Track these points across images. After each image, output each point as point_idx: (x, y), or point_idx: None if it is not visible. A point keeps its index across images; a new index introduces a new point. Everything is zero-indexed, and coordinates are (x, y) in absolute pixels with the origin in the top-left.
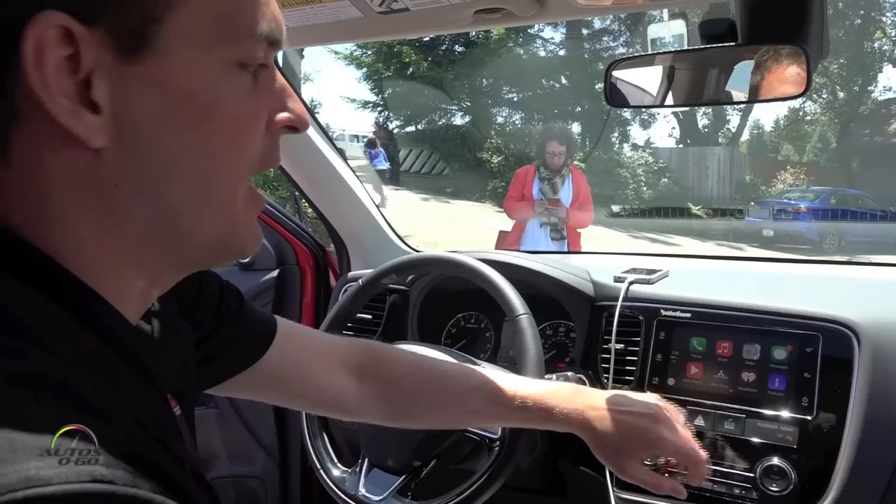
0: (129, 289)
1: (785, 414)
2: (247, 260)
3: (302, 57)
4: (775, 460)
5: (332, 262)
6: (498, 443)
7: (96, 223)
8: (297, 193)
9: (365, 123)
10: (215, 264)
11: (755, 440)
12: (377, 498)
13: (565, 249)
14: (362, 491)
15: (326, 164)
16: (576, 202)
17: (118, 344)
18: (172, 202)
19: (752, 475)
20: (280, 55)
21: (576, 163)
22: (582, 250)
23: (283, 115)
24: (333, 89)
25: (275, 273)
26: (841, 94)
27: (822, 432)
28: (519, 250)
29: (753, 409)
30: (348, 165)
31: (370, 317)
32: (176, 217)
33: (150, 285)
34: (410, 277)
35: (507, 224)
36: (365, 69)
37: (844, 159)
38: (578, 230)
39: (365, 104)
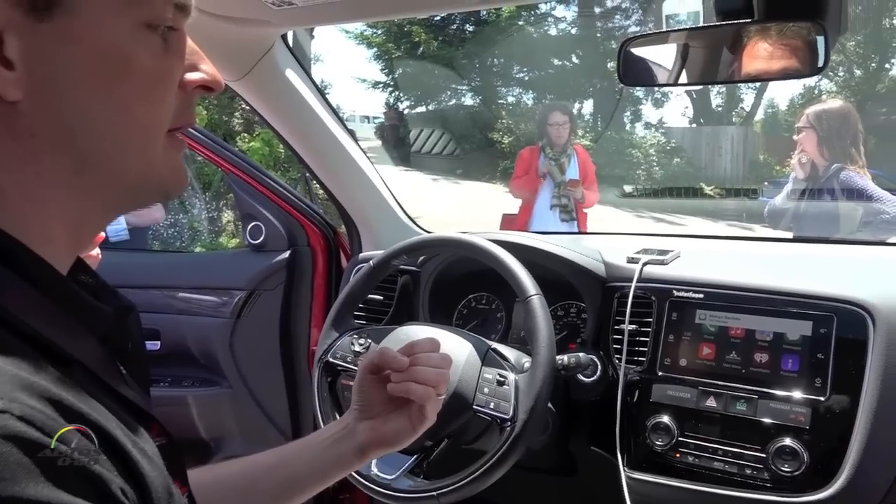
0: (54, 236)
1: (797, 395)
2: (259, 241)
3: (312, 37)
4: (787, 441)
5: (343, 244)
6: (510, 423)
7: (16, 170)
8: (307, 175)
9: (376, 104)
10: (139, 205)
11: (767, 421)
12: (389, 477)
13: (576, 230)
14: (374, 470)
15: (337, 145)
16: (584, 182)
17: (49, 289)
18: (90, 152)
19: (763, 456)
20: (290, 35)
21: (585, 142)
22: (591, 231)
23: (195, 76)
24: (344, 70)
25: (286, 254)
26: (858, 72)
27: (834, 413)
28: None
29: (766, 390)
30: (359, 146)
31: (381, 298)
32: (94, 165)
33: (77, 232)
34: (421, 258)
35: (513, 206)
36: (375, 49)
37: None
38: (585, 210)
39: (375, 84)
